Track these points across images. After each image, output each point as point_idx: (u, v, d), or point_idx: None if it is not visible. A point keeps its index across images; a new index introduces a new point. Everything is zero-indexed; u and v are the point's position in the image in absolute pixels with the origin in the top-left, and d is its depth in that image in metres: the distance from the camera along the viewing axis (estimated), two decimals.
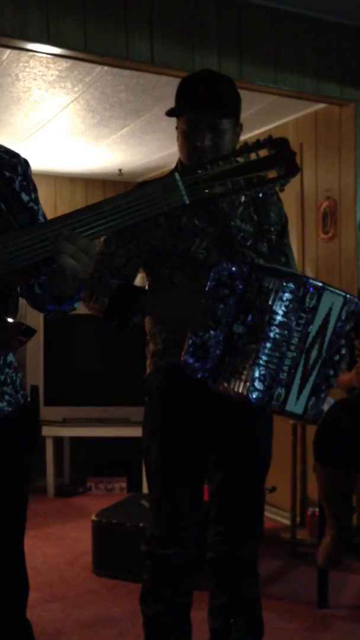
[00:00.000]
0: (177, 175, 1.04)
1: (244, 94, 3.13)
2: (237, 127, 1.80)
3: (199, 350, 1.56)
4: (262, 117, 3.67)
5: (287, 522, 3.51)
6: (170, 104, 1.82)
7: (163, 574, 1.75)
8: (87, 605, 2.74)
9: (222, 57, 2.88)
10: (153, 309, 1.70)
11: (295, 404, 1.54)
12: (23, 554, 1.41)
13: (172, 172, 1.83)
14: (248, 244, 1.77)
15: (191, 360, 1.56)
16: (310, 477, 3.44)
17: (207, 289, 1.57)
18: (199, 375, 1.56)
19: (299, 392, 1.54)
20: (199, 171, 1.04)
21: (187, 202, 1.04)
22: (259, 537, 1.88)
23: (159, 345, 1.78)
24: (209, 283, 1.57)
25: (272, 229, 1.84)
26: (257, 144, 1.02)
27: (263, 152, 1.03)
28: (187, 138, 1.74)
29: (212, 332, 1.56)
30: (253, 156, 1.03)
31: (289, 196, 3.38)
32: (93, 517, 3.06)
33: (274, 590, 2.85)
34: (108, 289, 1.68)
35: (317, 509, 2.89)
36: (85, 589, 2.90)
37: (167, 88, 3.05)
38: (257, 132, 3.94)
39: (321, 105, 3.46)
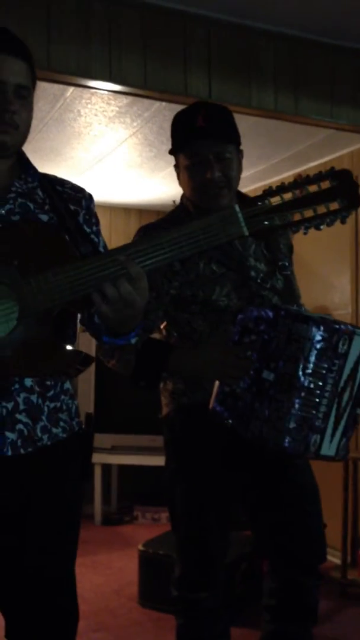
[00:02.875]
0: (237, 207, 1.05)
1: (299, 128, 3.19)
2: (240, 155, 1.73)
3: (228, 398, 1.53)
4: (317, 150, 3.68)
5: (337, 561, 3.41)
6: None
7: (196, 619, 1.71)
8: (132, 637, 2.71)
9: (278, 92, 2.92)
10: (183, 369, 1.64)
11: (329, 447, 1.51)
12: (74, 580, 1.41)
13: (173, 211, 1.78)
14: (268, 285, 1.72)
15: (221, 409, 1.53)
16: None
17: (234, 338, 1.53)
18: (230, 423, 1.53)
19: (332, 435, 1.51)
20: (259, 203, 1.05)
21: (247, 234, 1.05)
22: (319, 579, 1.78)
23: (179, 384, 1.73)
24: (235, 331, 1.53)
25: (287, 263, 1.78)
26: (319, 176, 1.03)
27: (325, 184, 1.04)
28: (193, 172, 1.66)
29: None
30: (314, 188, 1.03)
31: (343, 229, 3.36)
32: (140, 547, 3.04)
33: (323, 631, 2.76)
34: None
35: None
36: (130, 620, 2.87)
37: None
38: (312, 164, 3.95)
39: None
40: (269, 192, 1.05)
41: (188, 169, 1.69)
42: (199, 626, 1.72)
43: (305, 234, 1.05)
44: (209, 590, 1.69)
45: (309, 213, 1.03)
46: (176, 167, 1.75)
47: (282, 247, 1.80)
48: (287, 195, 1.05)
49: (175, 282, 1.67)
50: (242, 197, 1.82)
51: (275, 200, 1.05)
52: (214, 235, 1.04)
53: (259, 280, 1.71)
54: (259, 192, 1.05)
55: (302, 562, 1.75)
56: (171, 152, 1.73)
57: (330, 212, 1.03)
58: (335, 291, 3.75)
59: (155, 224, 1.78)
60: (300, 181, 1.03)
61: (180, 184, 1.76)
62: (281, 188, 1.04)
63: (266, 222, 1.03)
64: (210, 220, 1.04)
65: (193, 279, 1.67)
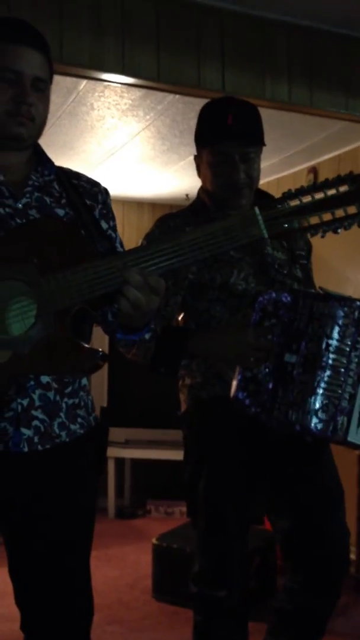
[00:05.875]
0: (256, 210, 1.05)
1: (314, 120, 3.16)
2: (260, 153, 1.73)
3: (250, 385, 1.52)
4: (332, 142, 3.65)
5: (352, 556, 3.40)
6: None
7: (215, 616, 1.70)
8: (146, 630, 2.72)
9: (292, 84, 2.89)
10: (202, 352, 1.64)
11: (356, 434, 1.49)
12: (89, 574, 1.42)
13: (193, 204, 1.77)
14: (285, 271, 1.72)
15: (243, 396, 1.52)
16: None
17: (253, 321, 1.52)
18: (252, 411, 1.52)
19: None
20: (279, 206, 1.04)
21: (266, 236, 1.04)
22: (338, 594, 1.77)
23: (197, 378, 1.72)
24: (254, 315, 1.52)
25: (303, 253, 1.80)
26: (338, 180, 1.02)
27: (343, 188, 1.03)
28: (217, 170, 1.67)
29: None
30: (332, 191, 1.03)
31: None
32: (154, 541, 3.06)
33: (337, 626, 2.76)
34: None
35: None
36: (144, 613, 2.89)
37: None
38: (326, 156, 3.92)
39: None
40: (288, 195, 1.05)
41: (211, 166, 1.68)
42: (217, 625, 1.71)
43: (322, 237, 1.06)
44: (227, 587, 1.68)
45: (327, 216, 1.03)
46: (197, 158, 1.73)
47: (299, 240, 1.81)
48: (306, 199, 1.05)
49: (192, 267, 1.68)
50: (261, 194, 1.82)
51: (294, 203, 1.04)
52: (234, 237, 1.04)
53: (276, 267, 1.71)
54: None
55: (319, 581, 1.73)
56: (200, 145, 1.70)
57: (349, 216, 1.03)
58: (350, 284, 3.73)
59: (174, 215, 1.77)
60: (319, 185, 1.03)
61: (200, 176, 1.75)
62: (300, 191, 1.04)
63: (285, 225, 1.03)
64: (230, 222, 1.04)
65: (211, 263, 1.67)
